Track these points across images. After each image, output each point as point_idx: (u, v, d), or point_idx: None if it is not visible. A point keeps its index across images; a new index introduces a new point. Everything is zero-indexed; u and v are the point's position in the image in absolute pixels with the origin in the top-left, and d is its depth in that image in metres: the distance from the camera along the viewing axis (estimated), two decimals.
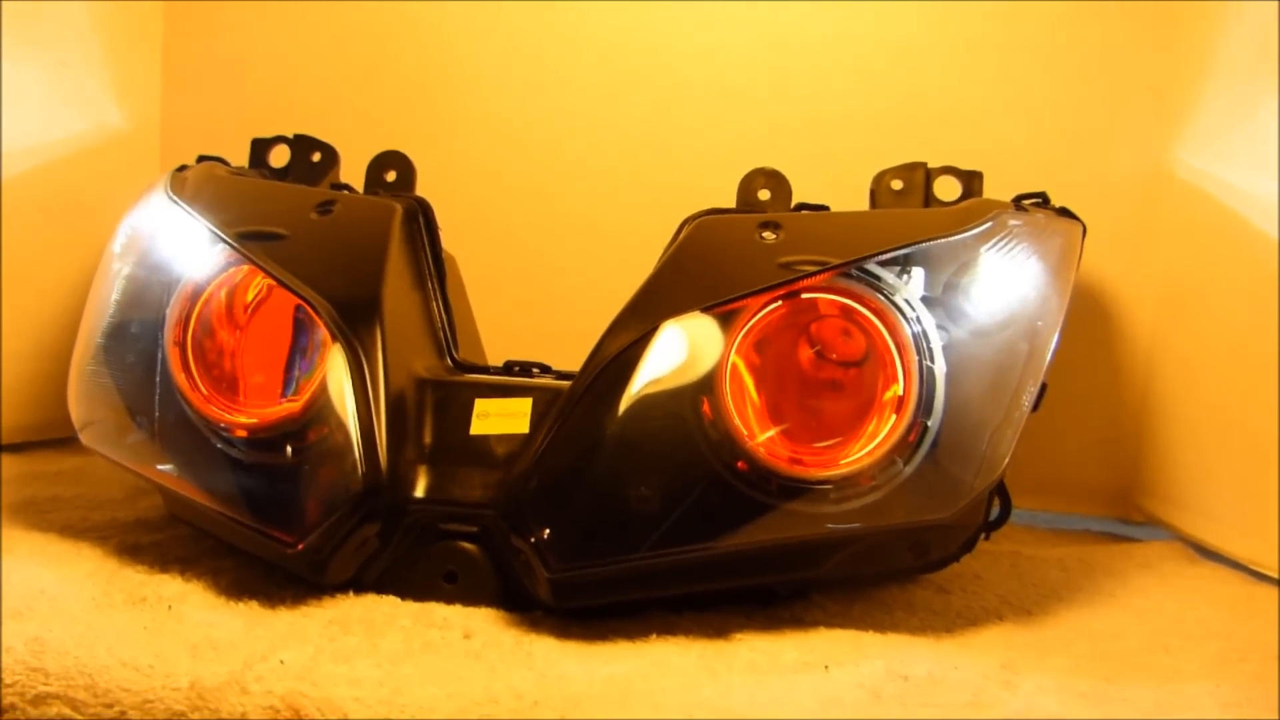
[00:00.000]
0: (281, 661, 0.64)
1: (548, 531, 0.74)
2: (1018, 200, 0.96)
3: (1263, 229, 1.00)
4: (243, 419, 0.86)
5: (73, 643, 0.65)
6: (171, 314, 0.92)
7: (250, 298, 0.94)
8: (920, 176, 1.04)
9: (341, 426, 0.79)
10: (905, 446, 0.81)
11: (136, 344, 0.91)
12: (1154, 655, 0.78)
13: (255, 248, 0.90)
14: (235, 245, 0.89)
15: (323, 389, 0.82)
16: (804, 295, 0.86)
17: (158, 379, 0.90)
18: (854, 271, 0.86)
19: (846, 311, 0.87)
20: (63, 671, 0.63)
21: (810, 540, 0.79)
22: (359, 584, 0.79)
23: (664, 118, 1.30)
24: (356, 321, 0.84)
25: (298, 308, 0.89)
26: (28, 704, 0.62)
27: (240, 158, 1.11)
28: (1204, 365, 1.07)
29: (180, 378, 0.89)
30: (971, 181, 1.04)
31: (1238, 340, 1.03)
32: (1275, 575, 0.96)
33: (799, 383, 0.88)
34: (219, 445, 0.85)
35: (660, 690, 0.64)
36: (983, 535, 0.97)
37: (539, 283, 1.32)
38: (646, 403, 0.78)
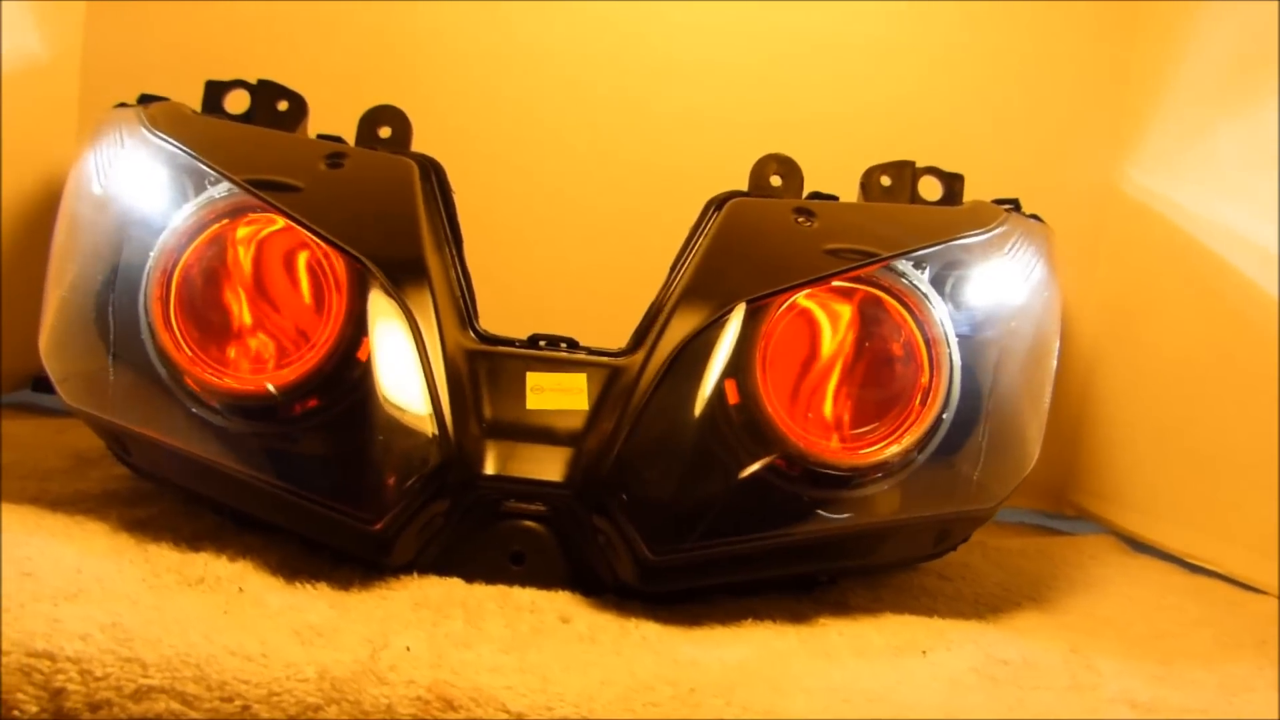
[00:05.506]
0: (408, 648, 0.60)
1: (641, 514, 0.72)
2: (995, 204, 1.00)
3: (1207, 246, 1.09)
4: (231, 382, 0.79)
5: (159, 629, 0.58)
6: (157, 263, 0.83)
7: (249, 250, 0.86)
8: (908, 175, 1.06)
9: (407, 397, 0.74)
10: (937, 436, 0.84)
11: (129, 294, 0.82)
12: (1167, 639, 0.83)
13: (276, 198, 0.82)
14: (261, 195, 0.82)
15: (347, 357, 0.76)
16: (849, 284, 0.87)
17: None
18: (894, 265, 0.87)
19: (877, 301, 0.88)
20: (163, 662, 0.56)
21: (871, 529, 0.80)
22: (415, 565, 0.74)
23: (656, 107, 1.31)
24: (404, 283, 0.79)
25: (312, 262, 0.82)
26: (127, 699, 0.55)
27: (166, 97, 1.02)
28: (1144, 373, 1.16)
29: (163, 334, 0.81)
30: (953, 183, 1.08)
31: (1178, 350, 1.12)
32: (1209, 566, 1.05)
33: (834, 371, 0.88)
34: (198, 409, 0.78)
35: (791, 675, 0.63)
36: None
37: (525, 254, 1.28)
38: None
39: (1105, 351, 1.20)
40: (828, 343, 0.83)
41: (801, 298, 0.85)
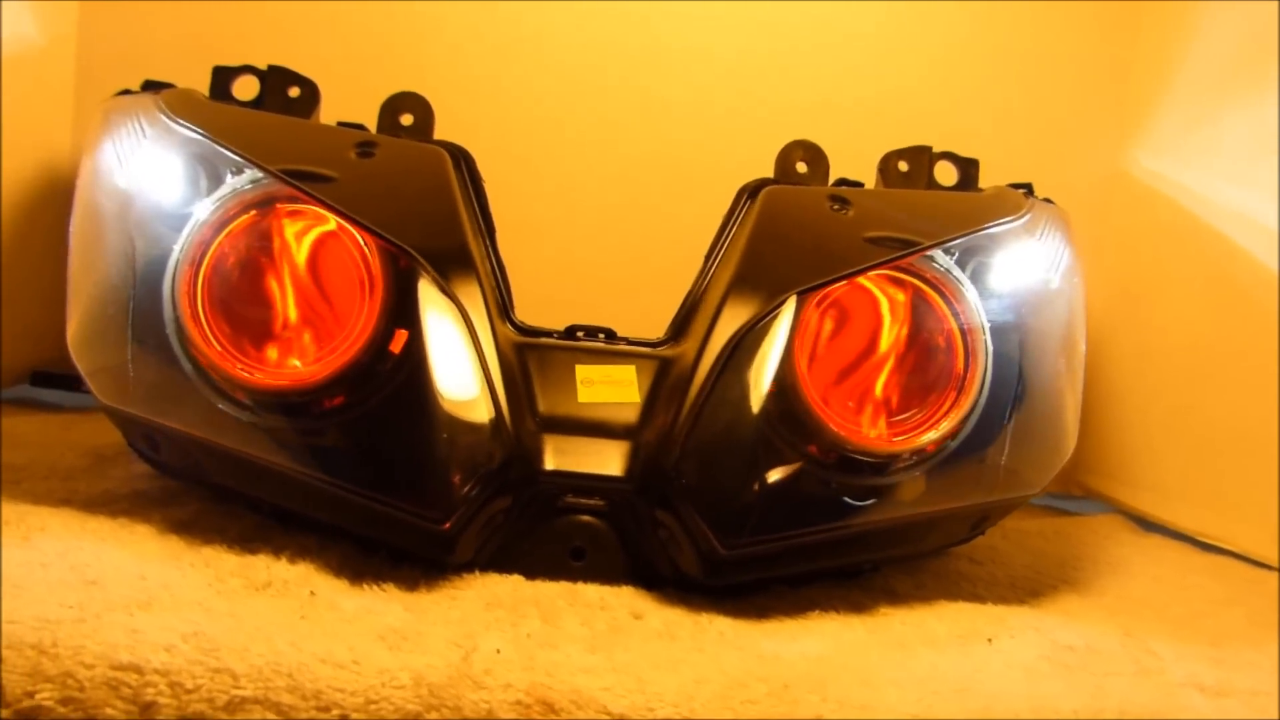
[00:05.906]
0: (498, 651, 0.59)
1: (709, 508, 0.71)
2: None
3: (1214, 228, 1.10)
4: (263, 378, 0.77)
5: (243, 638, 0.56)
6: (185, 255, 0.81)
7: (286, 241, 0.84)
8: (926, 160, 1.06)
9: (466, 393, 0.72)
10: (971, 422, 0.84)
11: (158, 287, 0.79)
12: (1205, 620, 0.84)
13: (313, 188, 0.80)
14: (301, 187, 0.79)
15: (383, 350, 0.75)
16: (893, 273, 0.86)
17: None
18: (931, 253, 0.87)
19: (918, 290, 0.88)
20: (253, 672, 0.54)
21: (921, 518, 0.80)
22: (474, 562, 0.73)
23: (665, 96, 1.31)
24: (452, 275, 0.77)
25: (347, 254, 0.80)
26: (220, 711, 0.53)
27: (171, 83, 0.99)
28: (1152, 353, 1.18)
29: (192, 328, 0.79)
30: (969, 169, 1.08)
31: (1186, 330, 1.14)
32: (1221, 545, 1.07)
33: (888, 361, 0.88)
34: (230, 405, 0.76)
35: (874, 667, 0.63)
36: None
37: (534, 245, 1.26)
38: None
39: (1113, 332, 1.22)
40: (887, 333, 0.83)
41: (844, 287, 0.85)
